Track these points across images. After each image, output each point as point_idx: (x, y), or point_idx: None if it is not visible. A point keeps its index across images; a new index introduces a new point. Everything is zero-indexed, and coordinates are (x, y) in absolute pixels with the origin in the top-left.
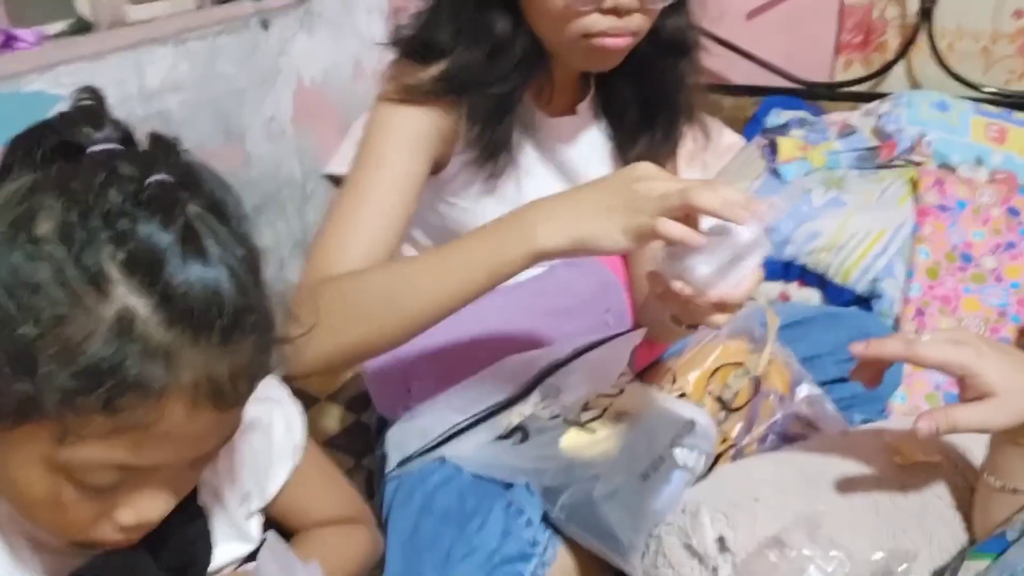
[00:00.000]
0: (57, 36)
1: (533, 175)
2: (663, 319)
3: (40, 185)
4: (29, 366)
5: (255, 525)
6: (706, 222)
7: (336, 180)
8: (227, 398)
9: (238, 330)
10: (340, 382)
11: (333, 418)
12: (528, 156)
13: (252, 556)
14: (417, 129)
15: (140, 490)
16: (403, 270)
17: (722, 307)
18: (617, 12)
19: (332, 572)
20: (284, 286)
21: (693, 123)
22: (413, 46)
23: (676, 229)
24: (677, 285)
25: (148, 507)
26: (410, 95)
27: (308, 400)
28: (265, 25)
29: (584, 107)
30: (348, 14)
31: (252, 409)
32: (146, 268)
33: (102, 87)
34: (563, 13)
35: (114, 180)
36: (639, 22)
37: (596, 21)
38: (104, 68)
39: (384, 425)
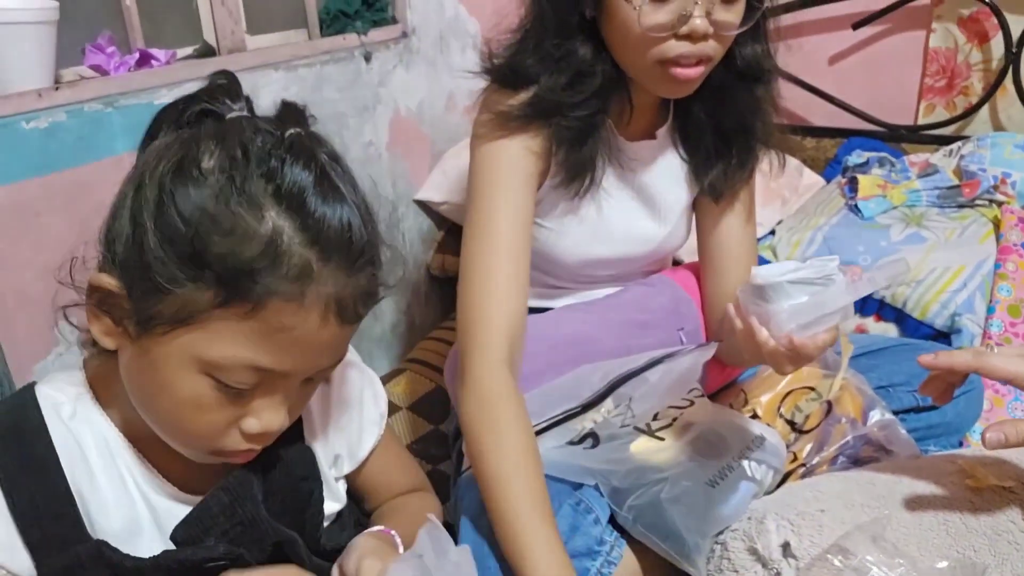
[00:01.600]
0: (185, 58)
1: (613, 197)
2: (736, 349)
3: (198, 135)
4: (197, 271)
5: (342, 488)
6: (798, 272)
7: (424, 206)
8: (348, 315)
9: (362, 258)
10: (421, 393)
11: (413, 426)
12: (609, 179)
13: (338, 517)
14: (517, 163)
15: (267, 399)
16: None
17: (795, 357)
18: (692, 38)
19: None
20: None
21: (769, 149)
22: (503, 73)
23: None
24: (755, 323)
25: (270, 417)
26: (502, 123)
27: (390, 408)
28: (368, 58)
29: (663, 132)
30: (443, 52)
31: (345, 374)
32: (292, 199)
33: None
34: (641, 40)
35: (260, 132)
36: (713, 48)
37: (672, 47)
38: None
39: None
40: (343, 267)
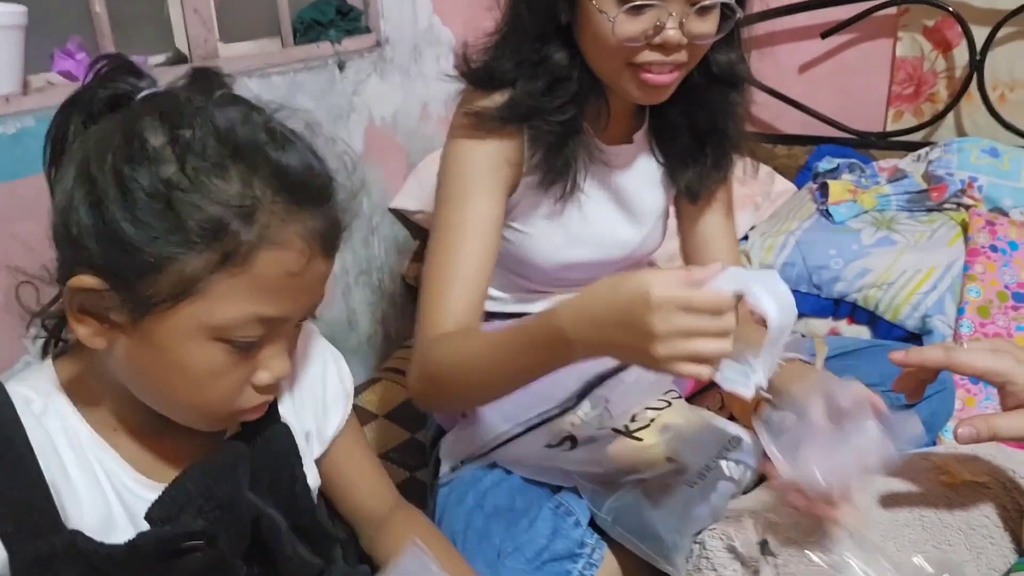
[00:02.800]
0: (157, 66)
1: (591, 200)
2: None
3: (132, 118)
4: (185, 241)
5: (316, 470)
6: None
7: (400, 215)
8: (330, 247)
9: (328, 192)
10: (397, 402)
11: (389, 435)
12: (588, 182)
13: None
14: (490, 164)
15: (271, 349)
16: (478, 361)
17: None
18: (665, 49)
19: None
20: (348, 312)
21: (742, 152)
22: (480, 76)
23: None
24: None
25: (278, 365)
26: (479, 124)
27: (366, 417)
28: (341, 66)
29: (639, 136)
30: (417, 62)
31: (308, 350)
32: (251, 154)
33: None
34: (615, 49)
35: (191, 99)
36: (685, 57)
37: (645, 55)
38: None
39: (440, 438)
40: (314, 204)
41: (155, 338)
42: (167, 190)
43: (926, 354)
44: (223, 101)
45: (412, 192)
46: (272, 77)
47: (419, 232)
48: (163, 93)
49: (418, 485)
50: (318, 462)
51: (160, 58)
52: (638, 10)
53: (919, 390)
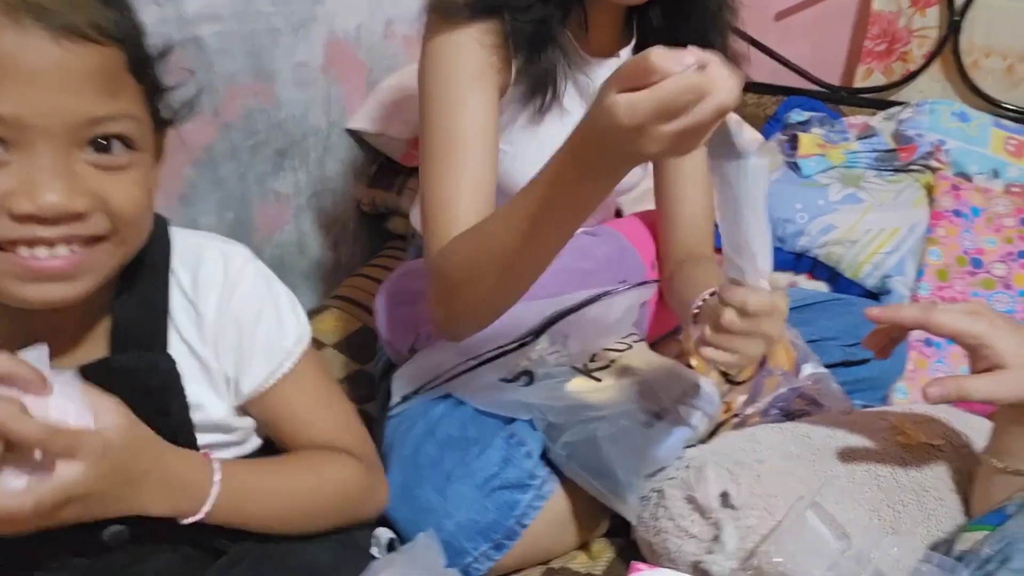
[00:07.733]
0: None
1: (575, 116)
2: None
3: None
4: None
5: (242, 419)
6: None
7: (357, 137)
8: (55, 21)
9: None
10: (347, 332)
11: (337, 365)
12: (569, 97)
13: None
14: (475, 62)
15: (23, 168)
16: (492, 245)
17: None
18: None
19: (305, 485)
20: (299, 235)
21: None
22: None
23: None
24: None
25: (40, 189)
26: (449, 16)
27: (314, 346)
28: None
29: (627, 52)
30: None
31: (242, 284)
32: None
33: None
34: None
35: None
36: None
37: None
38: None
39: (389, 371)
40: None
41: None
42: None
43: (903, 312)
44: None
45: (372, 113)
46: None
47: (376, 156)
48: None
49: (366, 418)
50: (248, 406)
51: None
52: None
53: (889, 348)
